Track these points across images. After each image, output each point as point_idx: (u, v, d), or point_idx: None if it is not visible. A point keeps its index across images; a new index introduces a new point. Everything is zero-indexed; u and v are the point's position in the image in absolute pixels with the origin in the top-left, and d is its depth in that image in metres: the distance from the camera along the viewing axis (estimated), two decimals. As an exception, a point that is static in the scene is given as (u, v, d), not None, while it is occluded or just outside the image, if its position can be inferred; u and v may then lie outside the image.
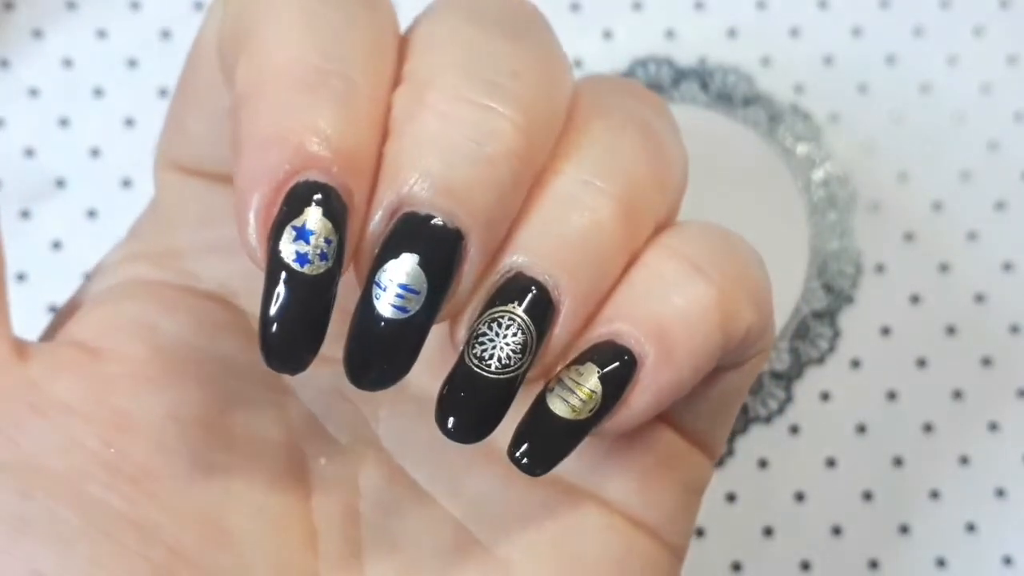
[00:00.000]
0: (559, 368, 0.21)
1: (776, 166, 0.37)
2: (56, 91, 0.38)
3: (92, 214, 0.38)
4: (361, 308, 0.20)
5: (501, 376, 0.20)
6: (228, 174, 0.23)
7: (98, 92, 0.38)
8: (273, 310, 0.19)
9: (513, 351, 0.20)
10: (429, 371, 0.24)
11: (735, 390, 0.24)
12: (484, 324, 0.20)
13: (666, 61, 0.38)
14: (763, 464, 0.37)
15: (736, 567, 0.36)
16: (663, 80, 0.38)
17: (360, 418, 0.24)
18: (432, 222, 0.20)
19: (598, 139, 0.21)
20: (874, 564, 0.36)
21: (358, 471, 0.24)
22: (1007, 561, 0.36)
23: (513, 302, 0.20)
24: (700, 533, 0.36)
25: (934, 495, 0.36)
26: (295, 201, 0.19)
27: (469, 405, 0.20)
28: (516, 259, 0.20)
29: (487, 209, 0.20)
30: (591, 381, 0.21)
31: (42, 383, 0.22)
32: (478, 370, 0.20)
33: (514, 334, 0.20)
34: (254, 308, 0.24)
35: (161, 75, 0.38)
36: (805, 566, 0.36)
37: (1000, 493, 0.36)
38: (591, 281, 0.21)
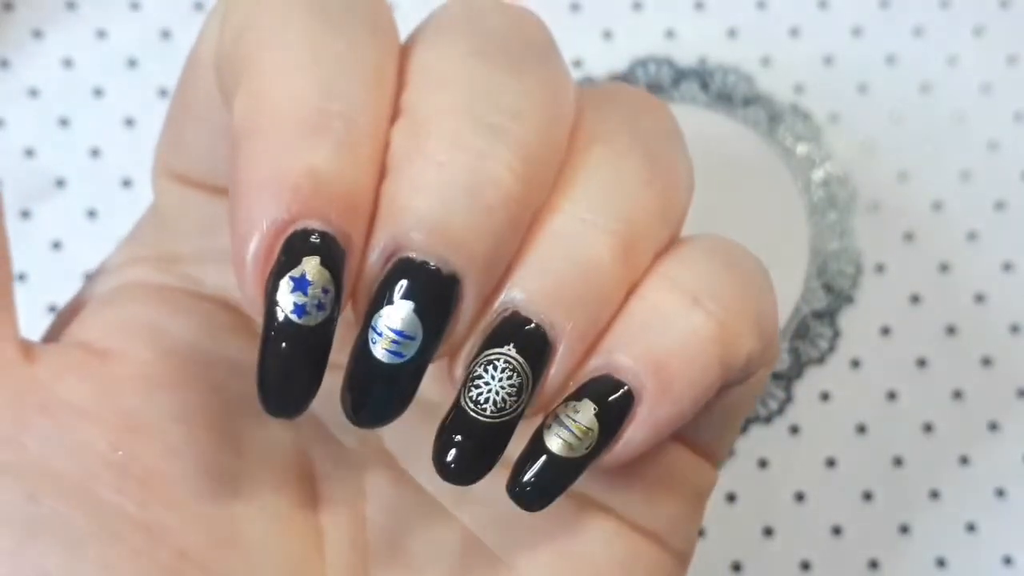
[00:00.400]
0: (556, 403, 0.21)
1: (776, 166, 0.37)
2: (56, 91, 0.38)
3: (92, 214, 0.38)
4: (357, 352, 0.20)
5: (496, 420, 0.20)
6: (226, 187, 0.23)
7: (98, 92, 0.38)
8: (271, 361, 0.19)
9: (508, 394, 0.20)
10: (435, 377, 0.24)
11: (741, 403, 0.24)
12: (480, 366, 0.20)
13: (666, 61, 0.38)
14: (763, 464, 0.37)
15: (736, 567, 0.36)
16: (663, 80, 0.38)
17: None
18: (428, 267, 0.19)
19: (598, 170, 0.21)
20: (874, 564, 0.36)
21: (365, 475, 0.24)
22: (1007, 561, 0.36)
23: (508, 344, 0.20)
24: (700, 533, 0.36)
25: (934, 495, 0.36)
26: (293, 251, 0.19)
27: (465, 448, 0.20)
28: (513, 296, 0.20)
29: (484, 254, 0.20)
30: (587, 417, 0.21)
31: (49, 384, 0.22)
32: (473, 414, 0.20)
33: (508, 377, 0.20)
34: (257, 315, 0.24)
35: (161, 75, 0.38)
36: (805, 566, 0.36)
37: (1000, 493, 0.36)
38: (588, 319, 0.21)
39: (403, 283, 0.19)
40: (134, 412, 0.22)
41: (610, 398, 0.21)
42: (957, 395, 0.37)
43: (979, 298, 0.37)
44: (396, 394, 0.20)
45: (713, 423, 0.24)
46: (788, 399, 0.37)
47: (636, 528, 0.23)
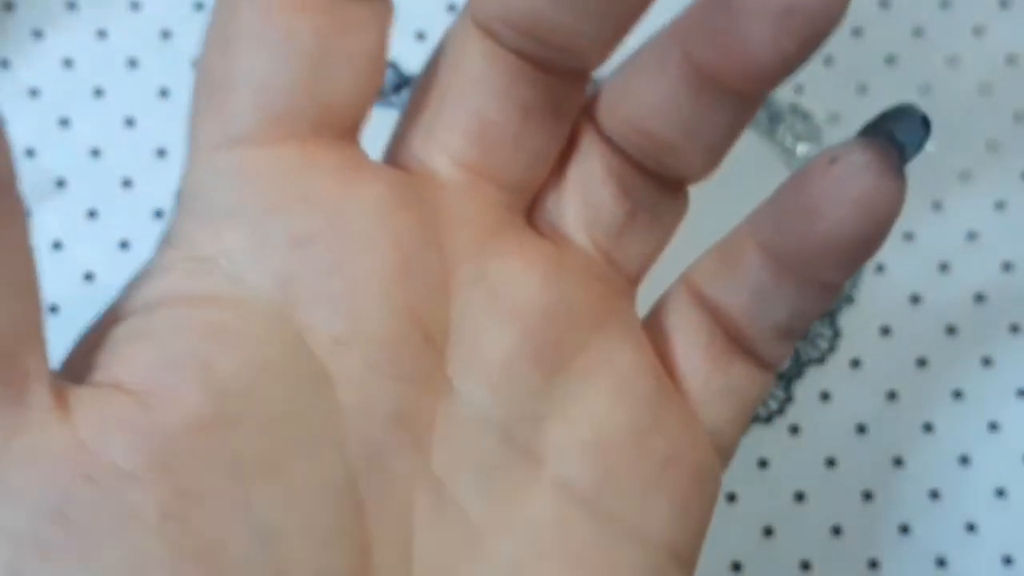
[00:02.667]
0: None
1: (776, 166, 0.37)
2: (56, 91, 0.38)
3: (92, 214, 0.38)
4: None
5: None
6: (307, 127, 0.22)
7: (98, 92, 0.38)
8: None
9: None
10: (486, 386, 0.23)
11: (760, 394, 0.24)
12: None
13: (666, 61, 0.38)
14: (763, 464, 0.37)
15: (736, 567, 0.36)
16: (663, 80, 0.38)
17: (414, 444, 0.22)
18: None
19: None
20: (874, 564, 0.36)
21: (411, 502, 0.22)
22: (1007, 561, 0.36)
23: None
24: (700, 533, 0.36)
25: (934, 495, 0.36)
26: None
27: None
28: None
29: None
30: None
31: (91, 443, 0.19)
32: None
33: None
34: (313, 316, 0.22)
35: (161, 75, 0.38)
36: (805, 566, 0.36)
37: (1000, 493, 0.36)
38: None
39: None
40: (185, 471, 0.19)
41: None
42: (957, 395, 0.37)
43: (979, 298, 0.37)
44: None
45: (737, 415, 0.24)
46: (788, 399, 0.37)
47: (667, 553, 0.23)
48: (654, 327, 0.25)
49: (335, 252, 0.22)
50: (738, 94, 0.22)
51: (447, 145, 0.24)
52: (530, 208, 0.25)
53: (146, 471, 0.19)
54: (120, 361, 0.20)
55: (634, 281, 0.25)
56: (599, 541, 0.23)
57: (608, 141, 0.24)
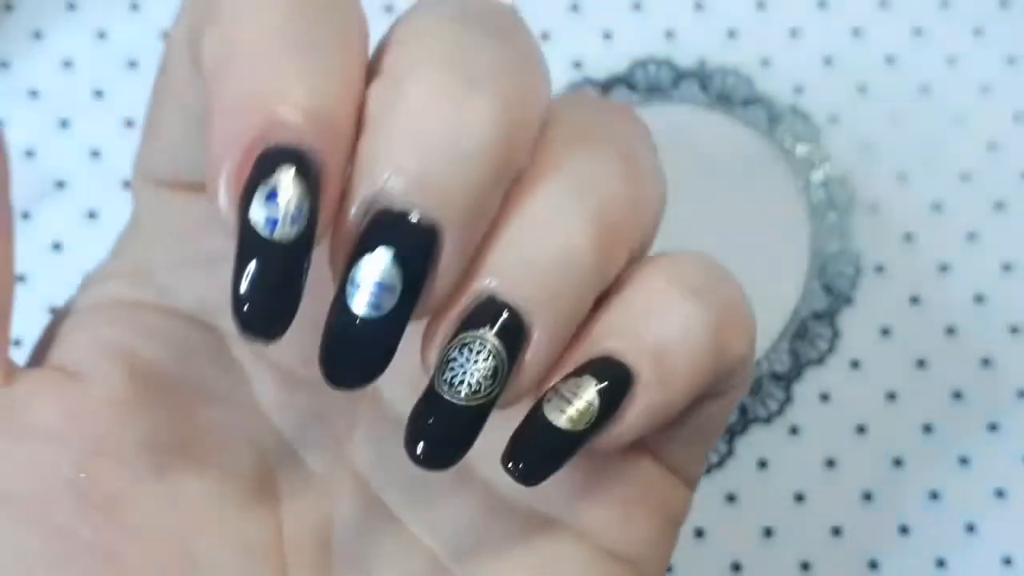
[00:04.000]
0: (554, 381, 0.21)
1: (776, 167, 0.37)
2: (56, 92, 0.38)
3: (92, 215, 0.38)
4: (336, 307, 0.19)
5: (471, 404, 0.20)
6: (201, 182, 0.23)
7: (98, 93, 0.38)
8: (245, 276, 0.19)
9: (484, 376, 0.20)
10: (408, 391, 0.23)
11: (715, 421, 0.24)
12: (455, 349, 0.20)
13: (666, 62, 0.38)
14: (763, 464, 0.37)
15: (736, 567, 0.36)
16: (663, 81, 0.38)
17: (335, 442, 0.24)
18: (407, 218, 0.19)
19: (574, 160, 0.21)
20: (874, 564, 0.36)
21: (331, 498, 0.24)
22: (1007, 561, 0.36)
23: (484, 326, 0.20)
24: (700, 533, 0.36)
25: (934, 495, 0.36)
26: (266, 165, 0.19)
27: (438, 432, 0.20)
28: (488, 283, 0.20)
29: (464, 206, 0.19)
30: (589, 393, 0.20)
31: (20, 406, 0.22)
32: (448, 397, 0.20)
33: (485, 359, 0.20)
34: (231, 327, 0.23)
35: (161, 76, 0.38)
36: (805, 566, 0.36)
37: (1000, 493, 0.36)
38: (565, 309, 0.20)
39: (382, 233, 0.19)
40: (102, 436, 0.22)
41: (611, 378, 0.20)
42: (957, 395, 0.37)
43: (979, 298, 0.37)
44: (375, 351, 0.19)
45: (688, 442, 0.23)
46: (788, 399, 0.37)
47: (609, 554, 0.23)
48: None
49: None
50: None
51: None
52: None
53: (64, 429, 0.22)
54: (62, 348, 0.23)
55: None
56: (528, 539, 0.23)
57: None
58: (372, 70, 0.20)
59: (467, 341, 0.20)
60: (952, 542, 0.36)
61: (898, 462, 0.37)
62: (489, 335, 0.20)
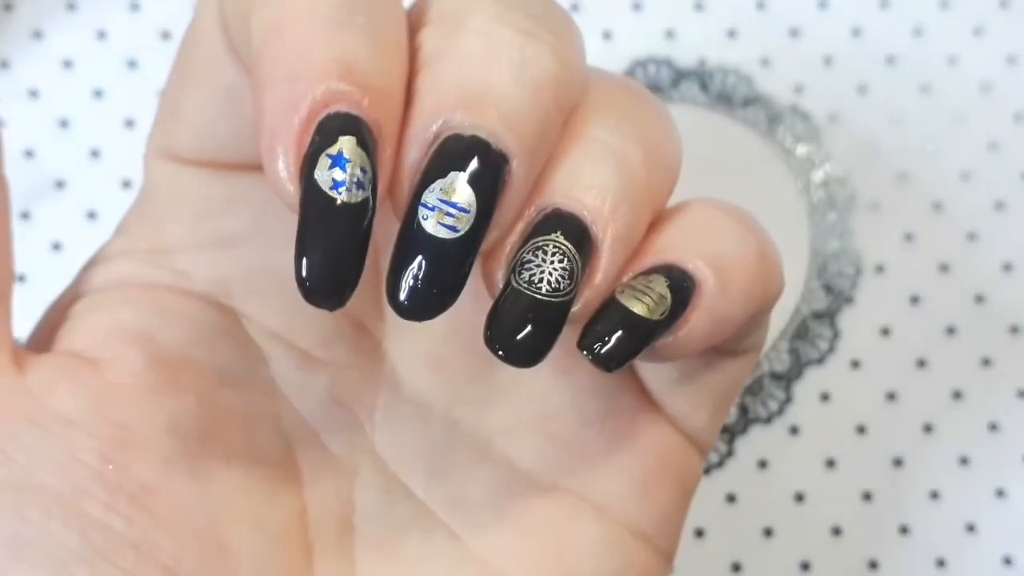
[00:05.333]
0: (625, 279, 0.21)
1: (776, 167, 0.37)
2: (56, 92, 0.38)
3: (92, 215, 0.38)
4: (407, 231, 0.19)
5: (553, 299, 0.20)
6: (225, 161, 0.23)
7: (98, 93, 0.38)
8: (312, 242, 0.19)
9: (561, 276, 0.20)
10: (426, 370, 0.23)
11: (732, 381, 0.24)
12: (529, 252, 0.20)
13: (666, 62, 0.38)
14: (763, 464, 0.37)
15: (736, 567, 0.36)
16: (663, 81, 0.38)
17: (355, 424, 0.24)
18: (479, 142, 0.19)
19: (619, 100, 0.22)
20: (874, 564, 0.36)
21: (353, 481, 0.24)
22: (1007, 561, 0.36)
23: (556, 231, 0.20)
24: (700, 533, 0.36)
25: (934, 495, 0.36)
26: (328, 131, 0.19)
27: (523, 327, 0.20)
28: (554, 198, 0.20)
29: (532, 134, 0.20)
30: (661, 287, 0.21)
31: (39, 394, 0.21)
32: (529, 292, 0.20)
33: (560, 260, 0.20)
34: (248, 309, 0.24)
35: (161, 75, 0.38)
36: (805, 566, 0.36)
37: (1000, 493, 0.36)
38: (627, 222, 0.21)
39: (455, 157, 0.19)
40: (126, 424, 0.22)
41: (677, 279, 0.21)
42: (957, 395, 0.37)
43: (979, 298, 0.37)
44: (452, 274, 0.19)
45: (706, 404, 0.24)
46: (788, 399, 0.37)
47: (627, 529, 0.23)
48: None
49: (261, 251, 0.23)
50: None
51: None
52: None
53: (88, 419, 0.21)
54: (75, 331, 0.23)
55: None
56: (548, 514, 0.23)
57: None
58: (416, 23, 0.21)
59: (541, 244, 0.20)
60: (952, 542, 0.36)
61: (898, 462, 0.37)
62: (562, 239, 0.20)
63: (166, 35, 0.38)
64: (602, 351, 0.20)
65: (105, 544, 0.21)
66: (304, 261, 0.19)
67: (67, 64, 0.38)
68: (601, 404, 0.24)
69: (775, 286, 0.22)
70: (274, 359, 0.24)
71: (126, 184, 0.38)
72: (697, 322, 0.21)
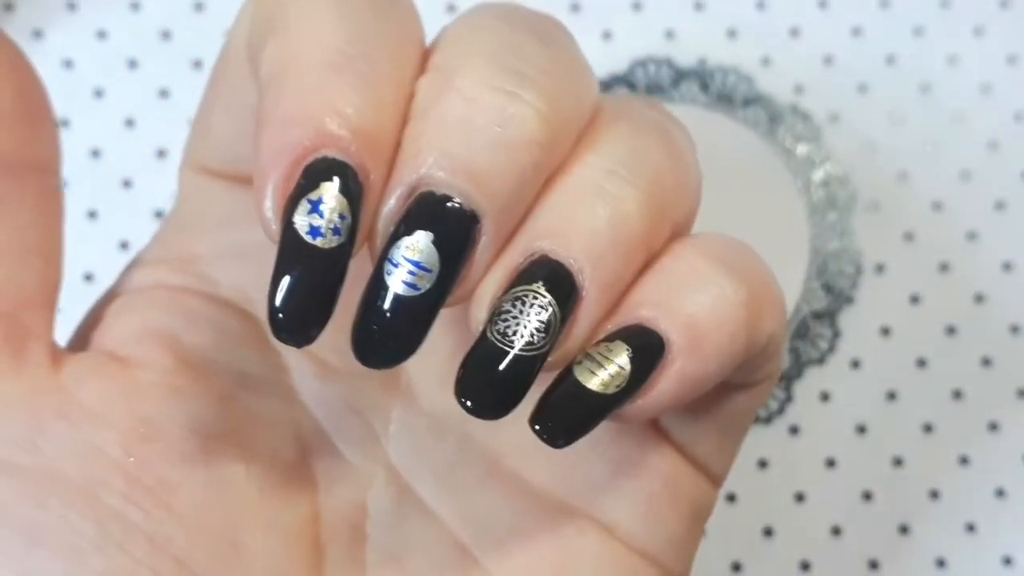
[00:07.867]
0: (578, 353, 0.21)
1: (776, 166, 0.37)
2: (56, 91, 0.38)
3: (92, 215, 0.38)
4: (372, 285, 0.20)
5: (525, 353, 0.20)
6: (249, 174, 0.23)
7: (98, 92, 0.38)
8: (283, 281, 0.19)
9: (537, 329, 0.20)
10: (440, 386, 0.24)
11: (743, 413, 0.24)
12: (508, 302, 0.20)
13: (666, 62, 0.38)
14: (763, 464, 0.37)
15: (736, 567, 0.36)
16: (663, 81, 0.38)
17: (370, 433, 0.24)
18: (448, 203, 0.20)
19: (622, 136, 0.21)
20: (874, 564, 0.36)
21: (365, 488, 0.24)
22: (1007, 561, 0.36)
23: (537, 282, 0.20)
24: (700, 533, 0.36)
25: (934, 495, 0.36)
26: (312, 176, 0.19)
27: (492, 381, 0.20)
28: (541, 243, 0.20)
29: (504, 194, 0.20)
30: (621, 357, 0.20)
31: (70, 388, 0.22)
32: (502, 346, 0.20)
33: (538, 313, 0.20)
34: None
35: (161, 75, 0.38)
36: (805, 566, 0.36)
37: (1000, 493, 0.36)
38: (615, 270, 0.20)
39: (423, 215, 0.20)
40: (149, 419, 0.22)
41: (643, 344, 0.21)
42: (957, 395, 0.37)
43: (979, 298, 0.37)
44: (409, 330, 0.20)
45: (714, 433, 0.24)
46: (788, 399, 0.37)
47: (634, 549, 0.23)
48: None
49: None
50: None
51: None
52: None
53: (113, 412, 0.22)
54: (108, 331, 0.24)
55: None
56: (555, 533, 0.23)
57: None
58: (425, 62, 0.21)
59: (520, 295, 0.20)
60: (952, 542, 0.36)
61: (898, 462, 0.37)
62: (542, 290, 0.20)
63: (166, 35, 0.38)
64: (552, 429, 0.20)
65: (121, 534, 0.21)
66: (275, 298, 0.19)
67: (67, 64, 0.38)
68: (609, 427, 0.23)
69: (769, 327, 0.22)
70: (293, 367, 0.24)
71: (126, 184, 0.38)
72: (665, 386, 0.21)
